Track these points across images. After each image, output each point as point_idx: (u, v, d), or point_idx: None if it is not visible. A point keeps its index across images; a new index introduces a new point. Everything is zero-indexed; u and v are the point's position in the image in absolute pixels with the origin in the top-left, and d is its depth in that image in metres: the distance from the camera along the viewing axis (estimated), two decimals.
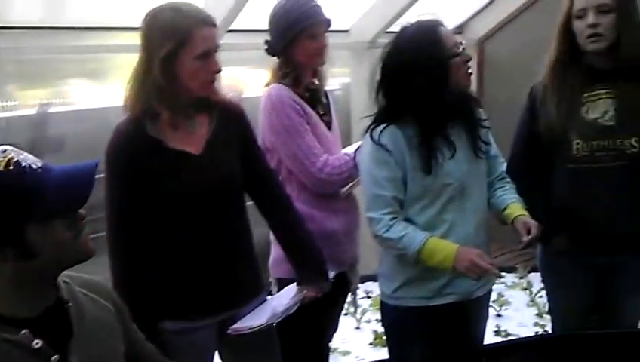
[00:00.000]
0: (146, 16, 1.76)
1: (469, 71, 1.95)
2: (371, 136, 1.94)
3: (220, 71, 1.78)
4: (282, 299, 1.97)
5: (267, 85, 2.29)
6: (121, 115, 1.79)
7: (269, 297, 2.08)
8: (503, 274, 2.13)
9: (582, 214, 2.18)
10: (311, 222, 2.13)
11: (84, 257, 1.27)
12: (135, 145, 1.75)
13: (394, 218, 1.91)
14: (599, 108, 2.11)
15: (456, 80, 1.90)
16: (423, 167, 1.90)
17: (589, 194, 2.15)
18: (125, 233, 1.80)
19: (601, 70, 2.11)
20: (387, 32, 4.35)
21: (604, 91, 2.11)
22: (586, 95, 2.13)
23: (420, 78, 1.85)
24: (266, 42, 2.31)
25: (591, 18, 2.04)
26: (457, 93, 1.93)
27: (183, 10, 1.72)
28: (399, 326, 2.10)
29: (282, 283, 2.20)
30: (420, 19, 1.94)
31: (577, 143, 2.12)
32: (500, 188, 2.07)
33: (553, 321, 2.48)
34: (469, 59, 1.93)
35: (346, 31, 4.46)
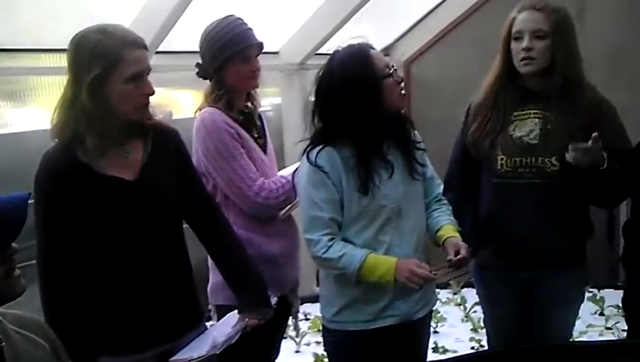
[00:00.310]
0: (73, 38, 1.69)
1: (403, 92, 1.98)
2: (308, 158, 1.93)
3: (152, 93, 1.72)
4: (223, 328, 1.92)
5: (200, 109, 2.25)
6: (39, 139, 1.69)
7: (210, 326, 2.01)
8: (438, 290, 2.15)
9: (504, 228, 2.23)
10: (250, 246, 2.09)
11: (14, 296, 1.19)
12: (66, 173, 1.67)
13: (332, 238, 1.91)
14: (526, 127, 2.19)
15: (390, 101, 1.92)
16: (360, 188, 1.91)
17: (511, 209, 2.21)
18: (57, 264, 1.70)
19: (534, 91, 2.19)
20: (317, 54, 4.40)
21: (533, 111, 2.19)
22: (516, 113, 2.20)
23: (353, 99, 1.86)
24: (198, 65, 2.28)
25: (526, 42, 2.12)
26: (392, 114, 1.95)
27: (111, 32, 1.66)
28: (341, 351, 2.08)
29: (222, 311, 2.14)
30: (351, 43, 1.96)
31: (502, 159, 2.19)
32: (436, 209, 2.10)
33: (488, 334, 2.53)
34: (402, 81, 1.96)
35: (275, 52, 4.47)
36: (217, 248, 1.98)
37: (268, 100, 4.66)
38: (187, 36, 3.59)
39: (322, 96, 1.94)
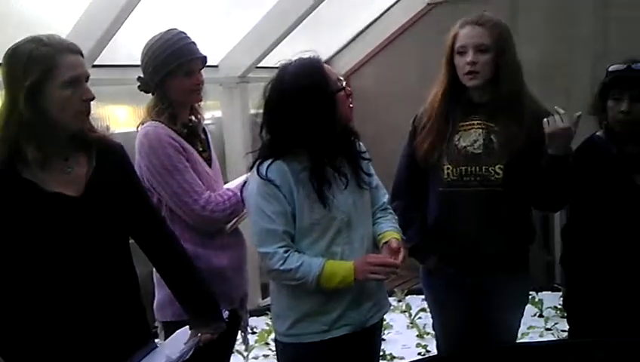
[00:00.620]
0: (7, 51, 1.64)
1: (351, 105, 2.00)
2: (258, 172, 1.92)
3: (92, 98, 1.67)
4: (176, 345, 1.87)
5: (142, 123, 2.22)
6: None
7: (160, 344, 1.96)
8: (390, 301, 2.18)
9: (451, 235, 2.29)
10: (197, 260, 2.06)
11: None
12: (7, 190, 1.61)
13: (287, 250, 1.90)
14: (470, 137, 2.25)
15: (341, 113, 1.94)
16: (317, 200, 1.91)
17: (457, 216, 2.27)
18: None
19: (478, 103, 2.26)
20: (257, 67, 4.41)
21: (477, 122, 2.26)
22: (461, 124, 2.27)
23: (308, 111, 1.86)
24: (139, 78, 2.25)
25: (470, 56, 2.18)
26: (342, 126, 1.97)
27: (45, 41, 1.62)
28: None
29: (169, 328, 2.09)
30: (301, 56, 1.97)
31: (448, 168, 2.25)
32: (381, 217, 2.12)
33: (437, 339, 2.57)
34: (351, 94, 1.98)
35: (215, 66, 4.44)
36: (165, 263, 1.94)
37: (209, 114, 4.61)
38: (123, 50, 3.55)
39: (273, 109, 1.93)
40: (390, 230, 2.06)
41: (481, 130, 2.24)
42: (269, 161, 1.92)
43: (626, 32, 4.19)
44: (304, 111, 1.87)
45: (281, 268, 1.89)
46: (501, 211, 2.25)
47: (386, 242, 2.01)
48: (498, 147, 2.21)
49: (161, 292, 2.18)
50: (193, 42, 2.23)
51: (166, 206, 2.18)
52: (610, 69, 2.26)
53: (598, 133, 2.35)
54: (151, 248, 1.91)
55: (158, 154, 2.12)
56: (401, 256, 1.96)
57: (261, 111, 1.96)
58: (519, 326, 2.46)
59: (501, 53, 2.18)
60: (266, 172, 1.90)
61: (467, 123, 2.26)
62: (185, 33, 2.24)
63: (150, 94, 2.25)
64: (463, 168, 2.23)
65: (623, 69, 2.21)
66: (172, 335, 1.98)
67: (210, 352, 1.95)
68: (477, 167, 2.22)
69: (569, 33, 4.52)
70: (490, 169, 2.22)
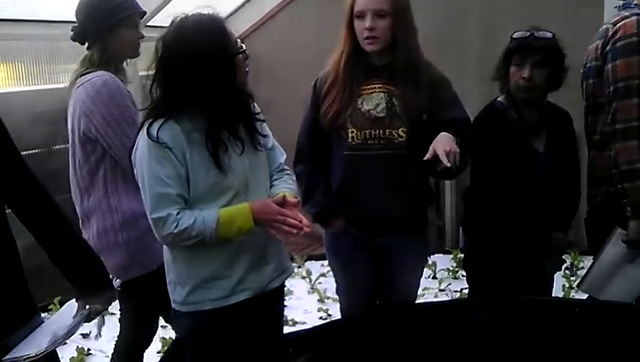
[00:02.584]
0: None
1: (247, 69, 1.97)
2: (149, 134, 1.79)
3: None
4: (63, 320, 1.73)
5: (86, 73, 2.16)
6: None
7: (46, 319, 1.80)
8: (292, 264, 2.15)
9: (357, 198, 2.30)
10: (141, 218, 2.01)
11: None
12: None
13: (179, 212, 1.81)
14: (373, 101, 2.24)
15: (240, 77, 1.87)
16: (212, 163, 1.82)
17: (362, 180, 2.28)
18: None
19: (378, 67, 2.25)
20: (147, 26, 4.16)
21: (378, 85, 2.25)
22: (363, 88, 2.26)
23: (209, 73, 1.77)
24: (74, 28, 2.23)
25: (368, 21, 2.16)
26: (239, 89, 1.90)
27: None
28: (197, 333, 1.98)
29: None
30: (201, 12, 1.85)
31: (352, 132, 2.24)
32: (277, 178, 2.07)
33: (340, 302, 2.57)
34: (248, 57, 1.94)
35: None
36: (45, 231, 1.75)
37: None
38: None
39: (170, 66, 1.80)
40: (285, 190, 2.00)
41: (382, 94, 2.25)
42: (159, 122, 1.80)
43: (514, 4, 4.35)
44: (204, 71, 1.77)
45: (176, 230, 1.79)
46: (405, 173, 2.27)
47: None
48: (400, 110, 2.22)
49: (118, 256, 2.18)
50: None
51: (111, 157, 2.16)
52: (515, 35, 2.31)
53: (499, 99, 2.41)
54: (27, 216, 1.72)
55: (118, 104, 2.12)
56: (290, 202, 1.90)
57: (152, 69, 1.83)
58: (419, 286, 2.53)
59: (398, 18, 2.18)
60: (157, 133, 1.78)
61: (369, 87, 2.26)
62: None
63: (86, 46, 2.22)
64: (367, 131, 2.23)
65: (527, 36, 2.27)
66: (60, 309, 1.83)
67: None
68: (381, 130, 2.23)
69: (460, 5, 4.63)
70: (393, 132, 2.23)
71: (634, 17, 2.19)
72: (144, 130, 1.81)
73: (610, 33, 2.23)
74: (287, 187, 2.02)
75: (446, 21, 4.60)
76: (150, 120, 1.81)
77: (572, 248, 3.76)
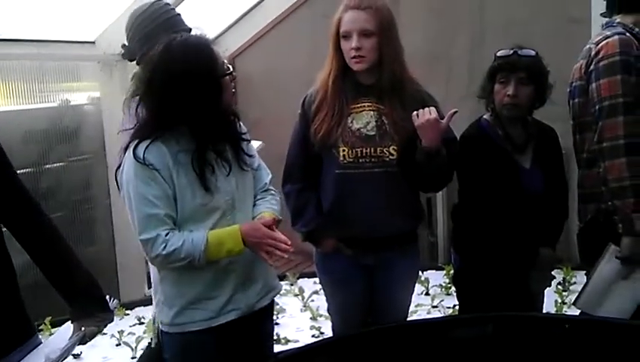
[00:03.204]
0: None
1: (234, 90, 1.97)
2: (135, 155, 1.80)
3: None
4: (57, 342, 1.72)
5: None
6: None
7: (44, 341, 1.79)
8: (280, 282, 2.15)
9: (348, 217, 2.30)
10: None
11: None
12: None
13: (168, 232, 1.81)
14: (363, 119, 2.26)
15: (226, 97, 1.88)
16: (199, 185, 1.83)
17: (354, 198, 2.28)
18: None
19: (366, 85, 2.27)
20: None
21: (367, 104, 2.27)
22: (352, 106, 2.27)
23: (196, 92, 1.78)
24: (124, 46, 2.41)
25: (354, 41, 2.18)
26: (226, 110, 1.91)
27: None
28: (184, 354, 1.97)
29: None
30: (188, 35, 1.89)
31: (344, 150, 2.25)
32: (260, 198, 2.07)
33: (333, 321, 2.56)
34: (235, 78, 1.94)
35: (92, 42, 4.16)
36: (39, 251, 1.75)
37: (85, 94, 4.36)
38: None
39: (156, 87, 1.81)
40: (266, 210, 2.01)
41: (372, 112, 2.26)
42: (146, 143, 1.81)
43: (502, 22, 4.39)
44: (190, 92, 1.78)
45: (164, 251, 1.79)
46: (397, 191, 2.28)
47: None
48: (390, 128, 2.24)
49: None
50: (179, 14, 2.43)
51: None
52: (498, 53, 2.34)
53: (485, 117, 2.42)
54: (24, 235, 1.72)
55: None
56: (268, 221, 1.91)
57: (139, 90, 1.85)
58: (410, 303, 2.53)
59: (384, 37, 2.20)
60: (144, 154, 1.79)
61: (358, 105, 2.27)
62: (170, 5, 2.44)
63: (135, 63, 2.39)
64: (359, 150, 2.24)
65: (510, 54, 2.30)
66: (56, 333, 1.82)
67: None
68: (372, 149, 2.24)
69: (449, 22, 4.67)
70: (385, 150, 2.24)
71: (616, 37, 2.22)
72: (130, 151, 1.81)
73: (592, 53, 2.25)
74: (269, 207, 2.03)
75: (434, 38, 4.64)
76: (136, 141, 1.82)
77: (562, 264, 3.77)
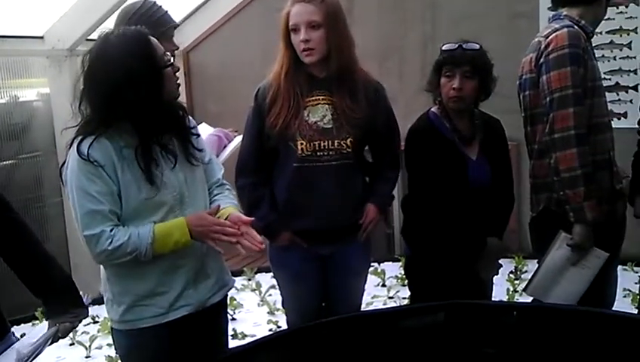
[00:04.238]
0: None
1: (178, 81, 1.97)
2: (79, 152, 1.77)
3: None
4: (29, 339, 1.70)
5: None
6: None
7: (19, 338, 1.76)
8: (233, 278, 2.14)
9: (305, 209, 2.32)
10: None
11: None
12: None
13: (113, 228, 1.78)
14: (319, 112, 2.28)
15: (168, 90, 1.86)
16: (144, 179, 1.80)
17: (311, 191, 2.30)
18: None
19: (319, 78, 2.29)
20: (88, 39, 4.10)
21: (321, 97, 2.29)
22: (307, 99, 2.28)
23: (135, 87, 1.75)
24: None
25: (302, 34, 2.20)
26: (169, 103, 1.89)
27: None
28: (135, 351, 1.95)
29: None
30: (125, 28, 1.85)
31: (302, 143, 2.26)
32: (217, 194, 2.06)
33: (287, 314, 2.58)
34: (178, 70, 1.94)
35: (40, 37, 4.07)
36: (9, 248, 1.72)
37: (34, 90, 4.26)
38: None
39: (94, 84, 1.78)
40: (229, 206, 2.00)
41: (327, 106, 2.28)
42: (90, 139, 1.78)
43: (454, 18, 4.46)
44: (128, 86, 1.74)
45: (110, 247, 1.76)
46: (353, 183, 2.33)
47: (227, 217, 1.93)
48: (345, 121, 2.26)
49: None
50: (167, 11, 2.53)
51: None
52: (444, 47, 2.37)
53: (432, 109, 2.47)
54: None
55: None
56: (244, 220, 1.89)
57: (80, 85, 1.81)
58: (364, 292, 2.57)
59: (332, 29, 2.22)
60: (88, 151, 1.76)
61: (313, 98, 2.29)
62: (157, 3, 2.52)
63: None
64: (317, 143, 2.26)
65: (455, 48, 2.34)
66: (32, 331, 1.80)
67: None
68: (330, 142, 2.26)
69: (401, 18, 4.72)
70: (342, 143, 2.27)
71: (565, 29, 2.27)
72: (74, 148, 1.78)
73: (542, 46, 2.30)
74: (230, 202, 2.02)
75: (386, 33, 4.69)
76: (80, 137, 1.79)
77: (509, 253, 3.86)
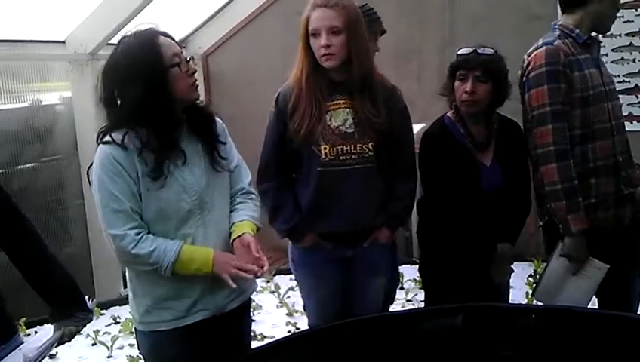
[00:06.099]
0: None
1: (196, 83, 1.91)
2: (101, 151, 1.82)
3: None
4: (36, 342, 1.72)
5: None
6: None
7: (25, 340, 1.80)
8: (256, 283, 2.15)
9: (330, 212, 2.34)
10: None
11: None
12: None
13: (140, 232, 1.81)
14: (340, 117, 2.30)
15: (177, 91, 1.84)
16: (153, 178, 1.82)
17: (335, 194, 2.32)
18: None
19: (339, 82, 2.30)
20: (109, 44, 4.16)
21: (342, 101, 2.31)
22: (328, 104, 2.30)
23: (137, 87, 1.78)
24: None
25: (323, 39, 2.21)
26: (181, 104, 1.89)
27: None
28: (155, 352, 1.98)
29: None
30: (139, 29, 1.87)
31: (325, 148, 2.28)
32: (240, 203, 2.05)
33: (309, 316, 2.60)
34: (194, 72, 1.89)
35: (62, 42, 4.13)
36: (17, 251, 1.76)
37: (56, 94, 4.32)
38: None
39: (108, 86, 1.83)
40: (245, 220, 1.99)
41: (348, 110, 2.30)
42: (111, 139, 1.82)
43: (472, 20, 4.45)
44: (133, 86, 1.78)
45: (133, 251, 1.79)
46: (375, 186, 2.35)
47: (237, 237, 1.93)
48: (366, 125, 2.28)
49: None
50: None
51: None
52: (459, 52, 2.40)
53: (448, 114, 2.48)
54: (3, 236, 1.72)
55: None
56: (253, 249, 1.88)
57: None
58: (384, 290, 2.58)
59: (352, 34, 2.23)
60: (110, 151, 1.80)
61: (333, 102, 2.31)
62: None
63: None
64: (339, 147, 2.28)
65: (469, 53, 2.37)
66: (38, 334, 1.83)
67: None
68: (352, 146, 2.28)
69: (418, 20, 4.72)
70: (364, 146, 2.29)
71: (543, 47, 2.33)
72: (99, 149, 1.82)
73: (524, 64, 2.37)
74: (249, 215, 2.01)
75: (405, 36, 4.68)
76: (103, 138, 1.83)
77: (521, 258, 3.85)
